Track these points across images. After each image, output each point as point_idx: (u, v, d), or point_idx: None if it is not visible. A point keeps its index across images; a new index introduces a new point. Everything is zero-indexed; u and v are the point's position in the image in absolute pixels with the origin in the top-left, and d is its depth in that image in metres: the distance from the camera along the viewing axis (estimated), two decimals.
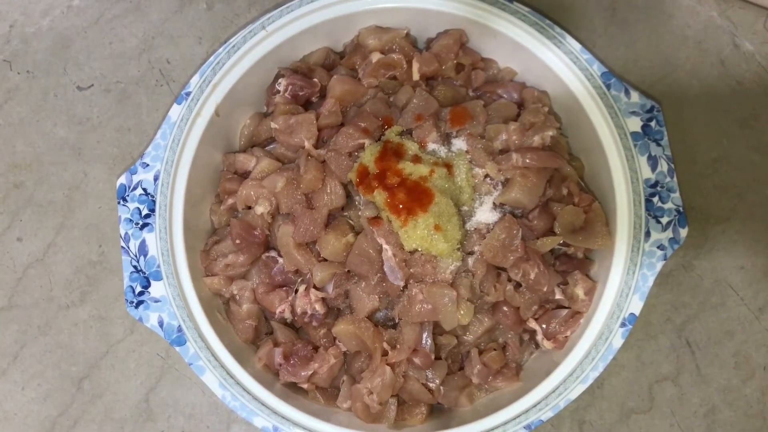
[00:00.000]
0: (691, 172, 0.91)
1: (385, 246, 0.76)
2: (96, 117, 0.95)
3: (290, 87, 0.85)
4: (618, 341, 0.77)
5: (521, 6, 0.83)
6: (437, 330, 0.80)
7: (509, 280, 0.79)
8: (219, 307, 0.84)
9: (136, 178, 0.81)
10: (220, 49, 0.83)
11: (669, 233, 0.79)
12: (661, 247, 0.78)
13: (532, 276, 0.78)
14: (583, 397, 0.78)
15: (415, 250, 0.76)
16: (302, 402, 0.80)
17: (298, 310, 0.80)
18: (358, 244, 0.77)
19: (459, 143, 0.81)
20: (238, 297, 0.82)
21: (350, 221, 0.80)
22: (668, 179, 0.79)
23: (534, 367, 0.83)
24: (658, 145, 0.80)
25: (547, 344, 0.81)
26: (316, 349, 0.81)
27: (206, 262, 0.83)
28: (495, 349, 0.81)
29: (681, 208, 0.79)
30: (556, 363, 0.78)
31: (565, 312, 0.81)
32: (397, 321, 0.79)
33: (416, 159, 0.78)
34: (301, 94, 0.85)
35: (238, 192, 0.82)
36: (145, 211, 0.80)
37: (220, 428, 0.88)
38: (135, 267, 0.80)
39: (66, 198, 0.93)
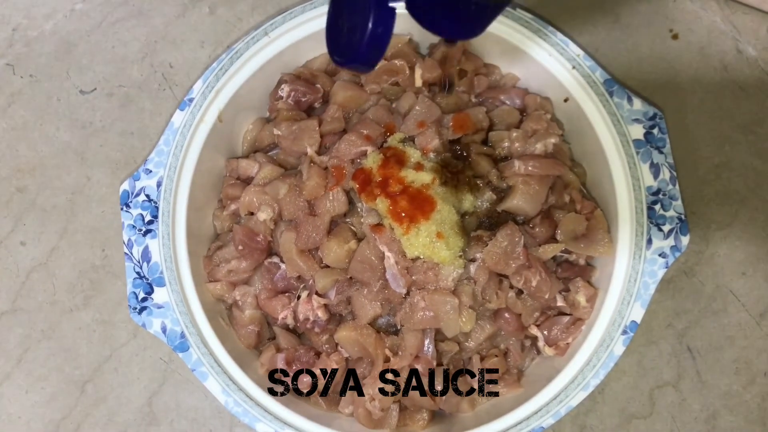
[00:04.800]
0: (693, 178, 0.91)
1: (387, 253, 0.77)
2: (99, 121, 0.95)
3: (293, 93, 0.85)
4: (619, 348, 0.78)
5: (524, 12, 0.83)
6: (439, 336, 0.80)
7: (511, 287, 0.79)
8: (222, 313, 0.84)
9: (139, 185, 0.82)
10: (223, 55, 0.83)
11: (671, 241, 0.79)
12: (662, 254, 0.78)
13: (534, 283, 0.78)
14: (584, 402, 0.78)
15: (417, 258, 0.77)
16: (304, 407, 0.81)
17: (301, 316, 0.81)
18: (360, 251, 0.78)
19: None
20: (240, 303, 0.83)
21: (352, 228, 0.80)
22: (670, 187, 0.79)
23: (535, 373, 0.83)
24: (661, 152, 0.80)
25: (548, 351, 0.81)
26: (318, 355, 0.82)
27: (209, 267, 0.84)
28: (497, 356, 0.82)
29: (683, 216, 0.79)
30: (557, 370, 0.79)
31: (566, 319, 0.81)
32: (399, 327, 0.80)
33: (418, 166, 0.78)
34: (303, 100, 0.85)
35: (241, 198, 0.82)
36: (148, 218, 0.81)
37: None
38: (138, 273, 0.80)
39: (69, 202, 0.93)
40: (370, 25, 0.52)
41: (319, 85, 0.86)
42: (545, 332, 0.81)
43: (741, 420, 0.87)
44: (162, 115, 0.95)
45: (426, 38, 0.89)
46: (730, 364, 0.88)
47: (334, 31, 0.59)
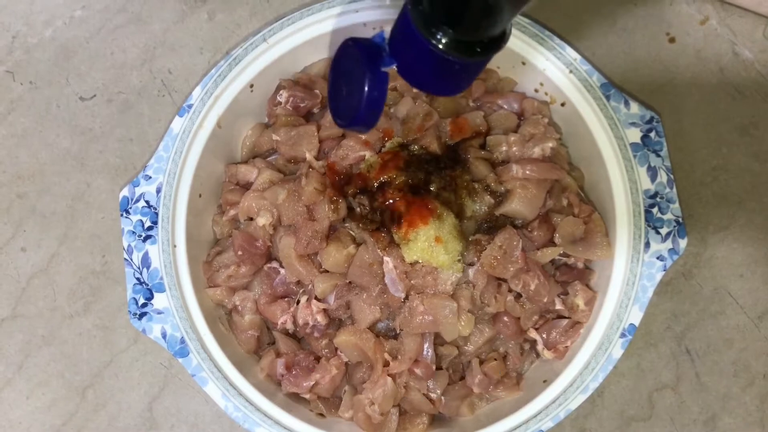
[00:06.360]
0: (691, 180, 0.91)
1: (386, 258, 0.77)
2: (98, 127, 0.95)
3: (291, 98, 0.85)
4: (618, 352, 0.78)
5: (521, 17, 0.83)
6: (438, 340, 0.80)
7: (510, 290, 0.79)
8: (221, 318, 0.85)
9: (138, 191, 0.82)
10: (222, 62, 0.83)
11: (668, 244, 0.79)
12: (660, 257, 0.79)
13: (533, 287, 0.78)
14: (583, 405, 0.78)
15: (416, 262, 0.77)
16: (304, 412, 0.81)
17: (300, 321, 0.81)
18: (359, 255, 0.78)
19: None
20: (240, 308, 0.83)
21: (351, 233, 0.81)
22: (668, 190, 0.80)
23: (534, 376, 0.83)
24: (658, 155, 0.80)
25: (547, 354, 0.81)
26: (318, 359, 0.82)
27: (209, 273, 0.84)
28: (496, 359, 0.82)
29: (680, 219, 0.79)
30: (556, 373, 0.79)
31: (565, 322, 0.81)
32: (398, 332, 0.80)
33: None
34: (302, 105, 0.86)
35: (240, 203, 0.83)
36: (147, 224, 0.81)
37: None
38: (138, 279, 0.80)
39: (69, 208, 0.94)
40: (365, 89, 0.57)
41: (317, 91, 0.87)
42: (544, 335, 0.81)
43: (740, 422, 0.87)
44: (161, 121, 0.95)
45: None
46: (729, 367, 0.88)
47: (335, 96, 0.64)
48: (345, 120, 0.63)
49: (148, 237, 0.81)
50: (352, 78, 0.60)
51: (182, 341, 0.79)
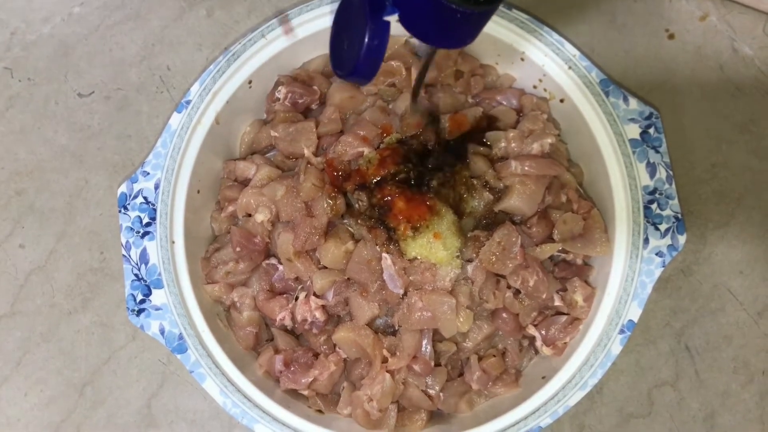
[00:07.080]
0: (690, 177, 0.91)
1: (384, 254, 0.77)
2: (97, 124, 0.95)
3: (290, 95, 0.85)
4: (617, 348, 0.78)
5: (520, 13, 0.83)
6: (437, 337, 0.80)
7: (508, 287, 0.79)
8: (220, 314, 0.85)
9: (136, 187, 0.82)
10: (220, 57, 0.83)
11: (667, 240, 0.79)
12: (659, 254, 0.78)
13: (531, 283, 0.78)
14: (582, 402, 0.78)
15: (415, 258, 0.77)
16: (303, 408, 0.81)
17: (299, 318, 0.81)
18: (357, 252, 0.78)
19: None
20: (238, 304, 0.83)
21: (350, 229, 0.80)
22: (667, 186, 0.80)
23: (533, 373, 0.83)
24: (657, 152, 0.80)
25: (546, 350, 0.81)
26: (316, 356, 0.82)
27: (207, 269, 0.84)
28: (494, 356, 0.82)
29: (679, 215, 0.79)
30: (555, 369, 0.79)
31: (564, 318, 0.81)
32: (396, 328, 0.80)
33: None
34: (300, 101, 0.86)
35: (239, 200, 0.82)
36: (146, 220, 0.81)
37: None
38: (136, 275, 0.80)
39: (67, 205, 0.94)
40: (366, 38, 0.57)
41: (315, 87, 0.87)
42: (543, 332, 0.81)
43: (739, 419, 0.87)
44: (159, 118, 0.95)
45: None
46: (729, 363, 0.88)
47: (336, 47, 0.64)
48: (344, 70, 0.62)
49: (146, 233, 0.81)
50: (353, 27, 0.59)
51: (180, 337, 0.79)
